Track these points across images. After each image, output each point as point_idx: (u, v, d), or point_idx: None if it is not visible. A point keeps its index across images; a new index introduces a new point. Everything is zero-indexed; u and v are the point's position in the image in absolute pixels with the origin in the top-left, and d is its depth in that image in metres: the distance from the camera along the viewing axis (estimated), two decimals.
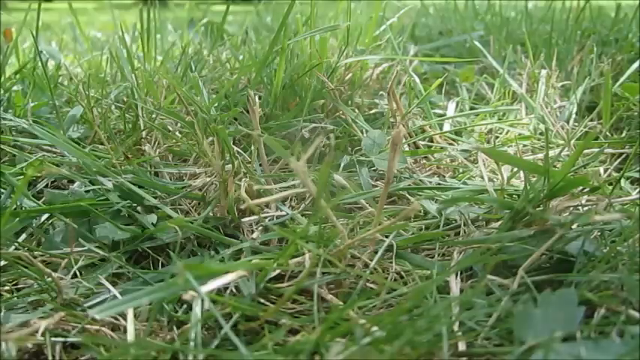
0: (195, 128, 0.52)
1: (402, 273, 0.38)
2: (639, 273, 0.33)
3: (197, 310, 0.34)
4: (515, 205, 0.39)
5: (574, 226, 0.37)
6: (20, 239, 0.43)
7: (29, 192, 0.50)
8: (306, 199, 0.49)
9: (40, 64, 0.68)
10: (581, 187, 0.40)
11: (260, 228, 0.45)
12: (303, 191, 0.44)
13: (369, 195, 0.45)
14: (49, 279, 0.39)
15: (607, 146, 0.58)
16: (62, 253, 0.41)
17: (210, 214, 0.46)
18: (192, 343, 0.30)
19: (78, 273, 0.39)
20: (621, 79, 0.67)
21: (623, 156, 0.57)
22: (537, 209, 0.38)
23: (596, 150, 0.56)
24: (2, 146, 0.53)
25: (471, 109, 0.72)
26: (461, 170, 0.56)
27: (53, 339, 0.32)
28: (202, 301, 0.33)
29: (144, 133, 0.60)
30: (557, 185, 0.37)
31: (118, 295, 0.36)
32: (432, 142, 0.62)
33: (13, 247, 0.41)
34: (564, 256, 0.37)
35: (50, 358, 0.32)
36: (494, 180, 0.52)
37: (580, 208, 0.45)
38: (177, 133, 0.57)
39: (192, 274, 0.27)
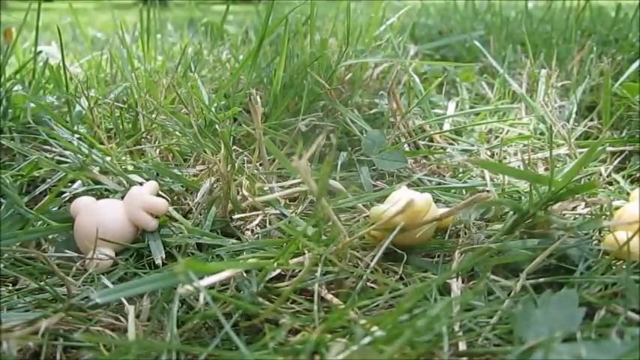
0: (194, 130, 0.52)
1: (402, 275, 0.38)
2: (639, 275, 0.33)
3: (198, 305, 0.34)
4: (522, 207, 0.39)
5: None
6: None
7: (31, 193, 0.51)
8: (304, 201, 0.49)
9: (39, 64, 0.68)
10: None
11: (260, 228, 0.45)
12: (304, 190, 0.44)
13: (368, 199, 0.45)
14: (51, 279, 0.39)
15: (608, 145, 0.58)
16: (69, 256, 0.41)
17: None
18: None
19: (86, 277, 0.39)
20: (621, 79, 0.67)
21: (624, 154, 0.57)
22: (541, 212, 0.39)
23: (599, 148, 0.56)
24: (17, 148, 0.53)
25: (471, 108, 0.72)
26: (461, 170, 0.56)
27: (54, 340, 0.32)
28: (202, 296, 0.33)
29: (144, 133, 0.60)
30: (561, 190, 0.37)
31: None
32: (432, 141, 0.62)
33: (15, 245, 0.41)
34: (565, 258, 0.37)
35: (51, 358, 0.32)
36: (495, 180, 0.51)
37: (582, 208, 0.45)
38: (177, 132, 0.57)
39: (192, 271, 0.27)
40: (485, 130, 0.66)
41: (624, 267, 0.35)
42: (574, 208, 0.45)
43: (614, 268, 0.36)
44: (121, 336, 0.33)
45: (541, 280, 0.35)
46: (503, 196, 0.47)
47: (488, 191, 0.48)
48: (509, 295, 0.34)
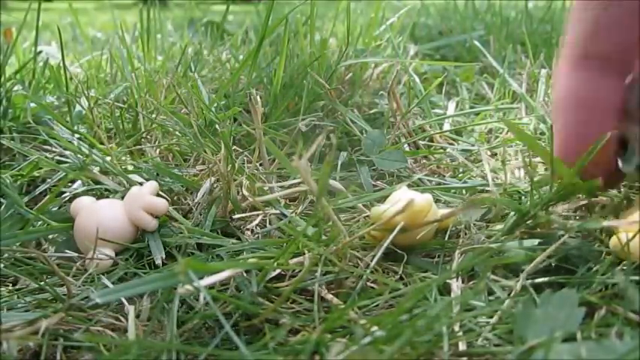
0: (194, 130, 0.52)
1: (402, 275, 0.38)
2: (638, 275, 0.33)
3: (198, 305, 0.34)
4: (522, 208, 0.39)
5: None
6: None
7: (31, 193, 0.51)
8: (304, 201, 0.49)
9: (39, 64, 0.68)
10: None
11: (260, 228, 0.45)
12: (304, 190, 0.44)
13: (368, 199, 0.45)
14: (51, 279, 0.39)
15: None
16: (69, 256, 0.41)
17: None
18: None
19: (86, 277, 0.39)
20: None
21: None
22: (542, 212, 0.38)
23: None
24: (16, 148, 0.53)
25: (471, 108, 0.72)
26: (461, 170, 0.56)
27: (54, 340, 0.32)
28: (202, 296, 0.33)
29: (144, 133, 0.60)
30: (564, 190, 0.37)
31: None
32: (432, 141, 0.62)
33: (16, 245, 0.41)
34: (566, 259, 0.37)
35: (51, 358, 0.32)
36: (495, 180, 0.51)
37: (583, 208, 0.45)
38: (177, 132, 0.57)
39: (192, 271, 0.27)
40: (485, 130, 0.66)
41: (624, 268, 0.35)
42: (576, 210, 0.44)
43: (615, 269, 0.36)
44: (121, 336, 0.33)
45: (541, 280, 0.35)
46: (504, 196, 0.47)
47: (488, 191, 0.48)
48: (509, 295, 0.34)
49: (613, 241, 0.36)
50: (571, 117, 0.37)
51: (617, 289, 0.33)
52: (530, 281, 0.35)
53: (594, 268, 0.36)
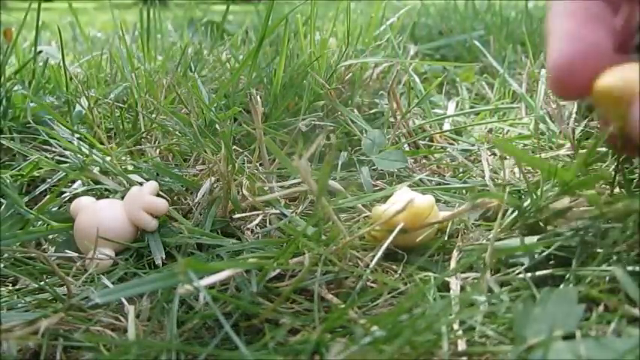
0: (194, 130, 0.52)
1: (402, 275, 0.38)
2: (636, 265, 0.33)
3: (198, 305, 0.34)
4: (521, 204, 0.39)
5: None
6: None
7: (31, 193, 0.51)
8: (304, 201, 0.49)
9: (39, 64, 0.68)
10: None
11: (260, 228, 0.45)
12: (304, 190, 0.44)
13: (368, 199, 0.45)
14: (51, 279, 0.39)
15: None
16: (69, 256, 0.41)
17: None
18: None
19: (86, 277, 0.39)
20: None
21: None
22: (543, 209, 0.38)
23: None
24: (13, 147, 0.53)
25: (471, 108, 0.72)
26: (461, 170, 0.56)
27: (54, 340, 0.32)
28: (202, 296, 0.34)
29: (144, 133, 0.60)
30: (570, 184, 0.37)
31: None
32: (432, 141, 0.62)
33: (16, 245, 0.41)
34: (564, 252, 0.37)
35: (51, 358, 0.32)
36: (495, 180, 0.51)
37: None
38: (177, 132, 0.57)
39: (191, 271, 0.28)
40: (485, 130, 0.66)
41: (620, 261, 0.35)
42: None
43: (612, 260, 0.36)
44: (121, 336, 0.33)
45: (540, 274, 0.35)
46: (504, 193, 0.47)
47: (488, 190, 0.47)
48: (508, 292, 0.34)
49: (600, 88, 0.32)
50: (565, 22, 0.34)
51: (615, 281, 0.32)
52: (529, 274, 0.34)
53: (594, 261, 0.35)
